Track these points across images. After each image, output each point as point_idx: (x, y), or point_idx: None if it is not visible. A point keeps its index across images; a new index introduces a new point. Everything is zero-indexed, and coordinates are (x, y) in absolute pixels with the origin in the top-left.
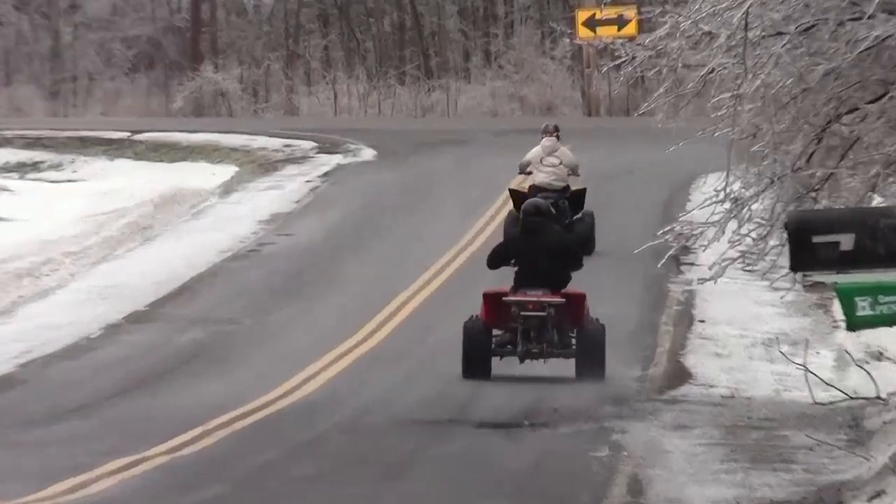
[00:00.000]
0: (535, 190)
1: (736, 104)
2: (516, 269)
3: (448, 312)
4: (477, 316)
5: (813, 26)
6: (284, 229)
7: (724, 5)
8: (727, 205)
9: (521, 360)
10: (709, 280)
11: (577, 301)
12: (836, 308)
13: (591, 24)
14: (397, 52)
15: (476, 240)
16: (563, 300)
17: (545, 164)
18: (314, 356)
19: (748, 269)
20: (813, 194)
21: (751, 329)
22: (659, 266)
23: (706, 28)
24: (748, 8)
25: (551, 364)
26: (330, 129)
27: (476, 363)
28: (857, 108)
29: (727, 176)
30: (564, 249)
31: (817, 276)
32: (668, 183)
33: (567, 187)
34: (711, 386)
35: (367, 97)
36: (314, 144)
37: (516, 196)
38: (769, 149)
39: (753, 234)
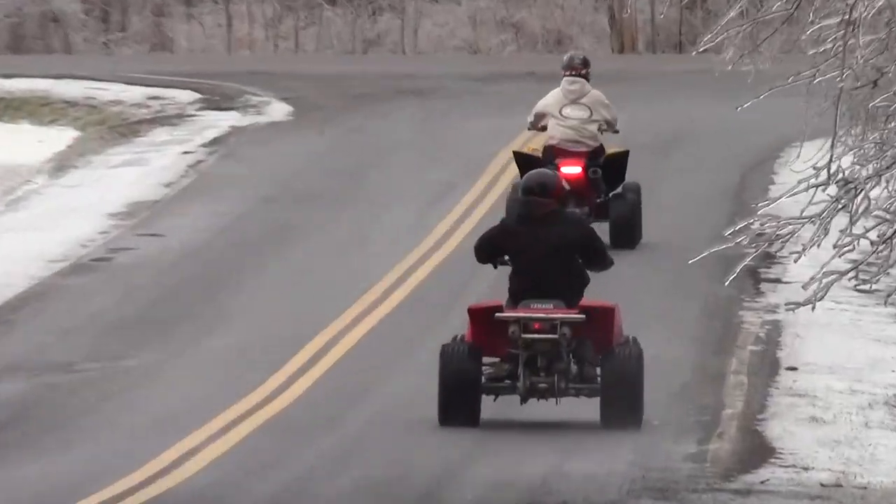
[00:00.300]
0: (553, 153)
1: (848, 35)
2: (511, 269)
3: (400, 354)
4: (461, 337)
5: None
6: (149, 227)
7: None
8: (832, 190)
9: (524, 400)
10: (804, 305)
11: (605, 317)
12: None
13: None
14: None
15: (445, 244)
16: (583, 316)
17: (567, 115)
18: (195, 422)
19: (864, 288)
20: None
21: (867, 381)
22: (727, 283)
23: None
24: None
25: (566, 405)
26: (221, 74)
27: (458, 404)
28: None
29: (832, 146)
30: (582, 247)
31: None
32: (742, 156)
33: (600, 149)
34: (806, 468)
35: (279, 24)
36: (196, 97)
37: (525, 161)
38: None
39: (873, 235)
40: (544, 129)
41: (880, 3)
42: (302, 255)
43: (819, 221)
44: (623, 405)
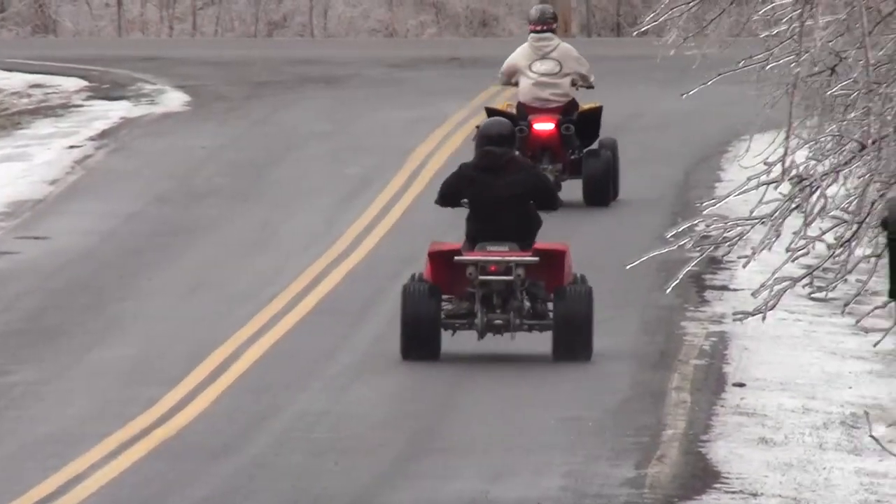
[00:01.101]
0: (526, 110)
1: (804, 15)
2: (468, 213)
3: (310, 368)
4: (420, 276)
5: None
6: (32, 229)
7: None
8: (785, 188)
9: (481, 335)
10: (753, 315)
11: (556, 259)
12: None
13: None
14: None
15: (359, 246)
16: (536, 259)
17: (537, 70)
18: (83, 444)
19: (819, 296)
20: None
21: (822, 399)
22: (668, 291)
23: None
24: None
25: (522, 339)
26: (111, 59)
27: (419, 340)
28: None
29: (786, 139)
30: (535, 193)
31: None
32: (686, 150)
33: (573, 104)
34: (755, 494)
35: (175, 4)
36: (83, 84)
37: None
38: (859, 92)
39: (829, 238)
40: (517, 84)
41: None
42: (201, 258)
43: (770, 222)
44: (573, 339)
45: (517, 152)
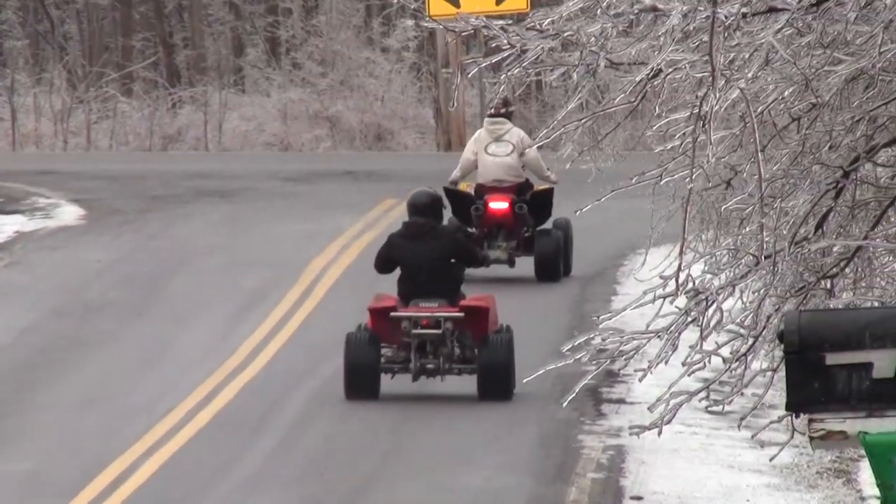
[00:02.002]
0: (483, 189)
1: (698, 130)
2: (400, 275)
3: (206, 485)
4: (364, 326)
5: None
6: None
7: None
8: (681, 301)
9: (415, 378)
10: (650, 429)
11: (479, 313)
12: (866, 475)
13: None
14: (120, 41)
15: (254, 360)
16: (462, 314)
17: (492, 152)
18: None
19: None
20: (827, 283)
21: None
22: (565, 404)
23: (647, 0)
24: None
25: (450, 382)
26: (4, 173)
27: (361, 380)
28: None
29: (681, 252)
30: (456, 255)
31: (832, 423)
32: (582, 264)
33: (527, 184)
34: None
35: (69, 117)
36: None
37: (455, 197)
38: (754, 206)
39: (725, 352)
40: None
41: (734, 95)
42: (96, 372)
43: (667, 336)
44: (496, 381)
45: (474, 229)
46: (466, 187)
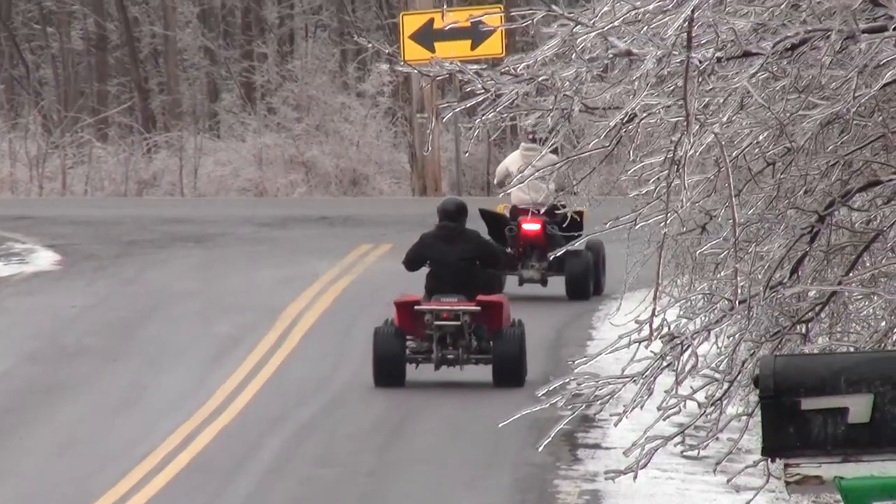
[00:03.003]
0: (517, 212)
1: (672, 175)
2: (428, 272)
3: None
4: (391, 320)
5: (804, 42)
6: None
7: (652, 5)
8: (656, 346)
9: (437, 367)
10: (625, 474)
11: (495, 308)
12: None
13: (427, 37)
14: (95, 86)
15: (230, 405)
16: (479, 308)
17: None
18: None
19: (691, 454)
20: (802, 328)
21: None
22: (540, 449)
23: (621, 45)
24: (693, 10)
25: (468, 371)
26: None
27: (388, 369)
28: (876, 182)
29: (655, 297)
30: (480, 257)
31: (808, 467)
32: (558, 308)
33: (556, 208)
34: None
35: (44, 162)
36: None
37: (491, 218)
38: (728, 251)
39: (700, 397)
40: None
41: (708, 140)
42: (71, 417)
43: (642, 381)
44: (509, 370)
45: (508, 249)
46: (503, 209)
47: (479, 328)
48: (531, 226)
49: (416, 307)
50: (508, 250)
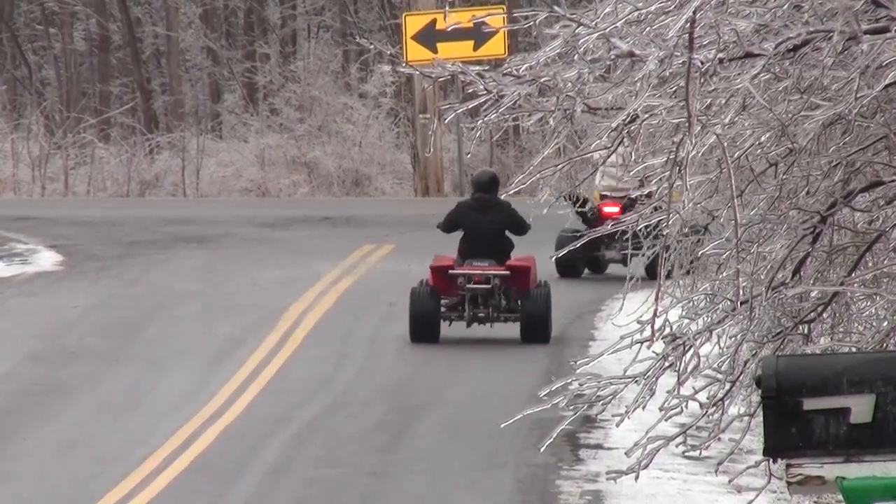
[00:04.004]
0: (600, 196)
1: (673, 175)
2: (462, 237)
3: None
4: (426, 281)
5: (806, 43)
6: None
7: (654, 6)
8: (658, 346)
9: (468, 325)
10: (627, 474)
11: (522, 271)
12: None
13: (429, 37)
14: (97, 87)
15: (232, 406)
16: (508, 272)
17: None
18: None
19: (693, 455)
20: (804, 328)
21: None
22: (542, 450)
23: (624, 46)
24: (694, 11)
25: (497, 328)
26: None
27: (423, 327)
28: (879, 183)
29: (657, 298)
30: (509, 226)
31: (810, 468)
32: (560, 308)
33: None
34: None
35: (46, 163)
36: None
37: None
38: (730, 252)
39: (702, 397)
40: None
41: (710, 141)
42: (73, 418)
43: (644, 381)
44: (536, 328)
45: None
46: (597, 195)
47: (508, 289)
48: (611, 209)
49: (449, 271)
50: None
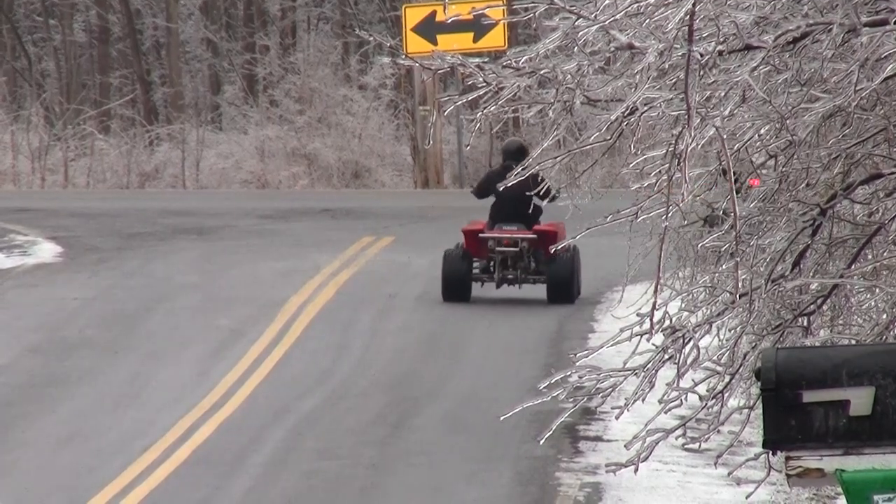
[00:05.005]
0: None
1: (673, 168)
2: (493, 202)
3: None
4: (460, 245)
5: (806, 35)
6: None
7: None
8: (658, 338)
9: (498, 286)
10: (626, 466)
11: (549, 236)
12: None
13: (429, 30)
14: (97, 79)
15: (232, 397)
16: (535, 235)
17: None
18: None
19: (692, 447)
20: (803, 321)
21: None
22: (542, 442)
23: (623, 38)
24: (694, 3)
25: (526, 289)
26: None
27: (455, 287)
28: (878, 175)
29: (656, 290)
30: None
31: (809, 460)
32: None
33: None
34: None
35: (46, 154)
36: None
37: None
38: (730, 244)
39: (702, 389)
40: None
41: (710, 133)
42: (73, 410)
43: (643, 374)
44: (562, 289)
45: None
46: None
47: (536, 252)
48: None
49: (480, 234)
50: None
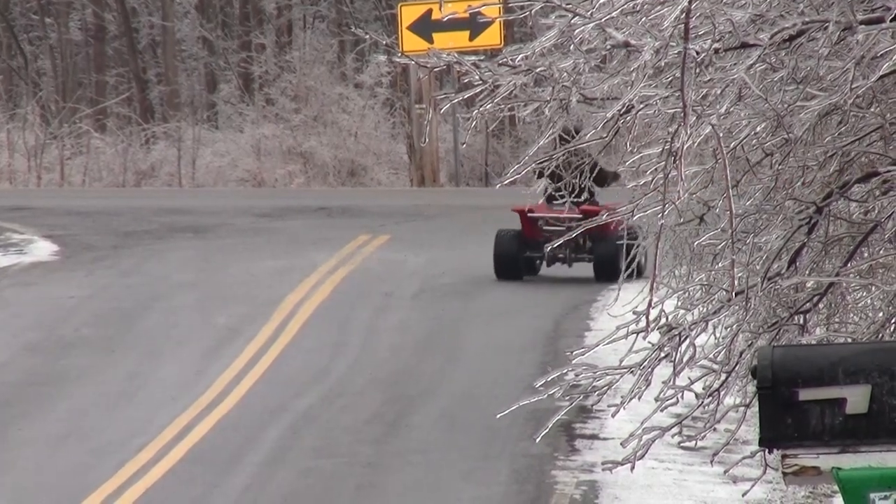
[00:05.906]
0: None
1: (669, 166)
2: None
3: None
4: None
5: (802, 33)
6: None
7: None
8: (654, 337)
9: (549, 265)
10: (623, 464)
11: (594, 216)
12: None
13: (425, 28)
14: (93, 77)
15: (228, 396)
16: (581, 216)
17: None
18: None
19: (689, 445)
20: (800, 319)
21: None
22: (538, 440)
23: (619, 36)
24: (690, 1)
25: (575, 267)
26: None
27: (505, 266)
28: (874, 174)
29: (652, 288)
30: (593, 177)
31: (806, 458)
32: (555, 299)
33: None
34: None
35: (42, 153)
36: None
37: None
38: (725, 242)
39: (698, 387)
40: None
41: (706, 131)
42: (70, 408)
43: (640, 372)
44: (606, 268)
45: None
46: None
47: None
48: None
49: (529, 214)
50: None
